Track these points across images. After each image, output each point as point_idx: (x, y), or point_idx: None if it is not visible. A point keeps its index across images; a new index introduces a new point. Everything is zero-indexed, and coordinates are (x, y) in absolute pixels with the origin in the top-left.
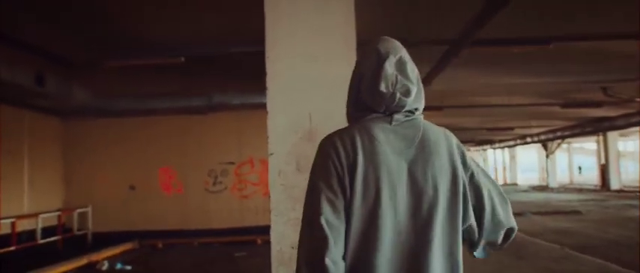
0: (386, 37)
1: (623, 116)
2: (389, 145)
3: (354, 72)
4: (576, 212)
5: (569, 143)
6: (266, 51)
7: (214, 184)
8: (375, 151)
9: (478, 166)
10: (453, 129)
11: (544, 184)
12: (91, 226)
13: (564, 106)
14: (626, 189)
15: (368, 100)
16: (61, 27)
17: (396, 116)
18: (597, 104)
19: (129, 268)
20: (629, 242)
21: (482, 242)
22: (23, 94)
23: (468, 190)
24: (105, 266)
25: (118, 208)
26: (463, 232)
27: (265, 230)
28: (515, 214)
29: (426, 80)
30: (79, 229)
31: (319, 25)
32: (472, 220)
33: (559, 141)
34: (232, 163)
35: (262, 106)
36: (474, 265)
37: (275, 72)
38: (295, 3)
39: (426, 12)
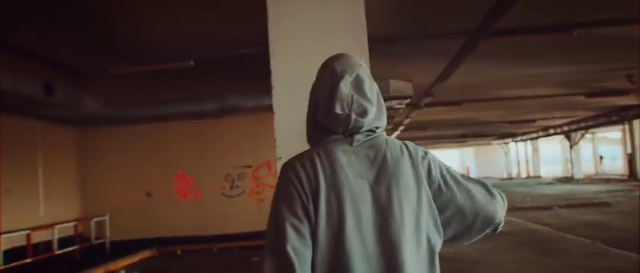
0: (343, 53)
1: None
2: (350, 167)
3: (311, 92)
4: (605, 204)
5: (593, 133)
6: (270, 48)
7: (231, 188)
8: (336, 175)
9: (449, 172)
10: (473, 123)
11: (568, 175)
12: (109, 235)
13: (588, 95)
14: None
15: (324, 122)
16: (68, 36)
17: (357, 137)
18: (623, 92)
19: None
20: None
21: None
22: (33, 104)
23: (437, 203)
24: None
25: (135, 216)
26: (449, 240)
27: None
28: (542, 208)
29: (444, 74)
30: (96, 238)
31: (326, 20)
32: (450, 233)
33: (582, 131)
34: (249, 166)
35: None
36: (500, 263)
37: (280, 70)
38: None
39: (442, 2)
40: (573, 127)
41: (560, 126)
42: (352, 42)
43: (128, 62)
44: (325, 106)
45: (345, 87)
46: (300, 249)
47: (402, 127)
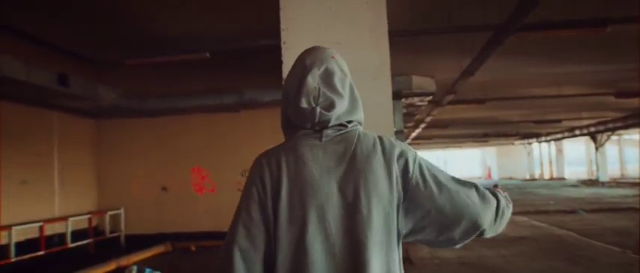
0: (316, 46)
1: None
2: (316, 163)
3: (283, 86)
4: (633, 209)
5: (619, 135)
6: (282, 38)
7: None
8: (300, 172)
9: (431, 171)
10: (496, 123)
11: (593, 178)
12: (124, 229)
13: (618, 95)
14: None
15: (292, 116)
16: (82, 26)
17: (326, 132)
18: None
19: None
20: None
21: (460, 245)
22: (47, 94)
23: (414, 201)
24: (133, 272)
25: (150, 210)
26: (430, 242)
27: None
28: (566, 212)
29: (468, 71)
30: (111, 232)
31: (340, 9)
32: (430, 234)
33: (609, 133)
34: None
35: None
36: (524, 271)
37: (292, 61)
38: None
39: None
40: (600, 128)
41: (586, 126)
42: (367, 32)
43: (144, 53)
44: (293, 100)
45: (312, 80)
46: (247, 249)
47: (423, 125)
